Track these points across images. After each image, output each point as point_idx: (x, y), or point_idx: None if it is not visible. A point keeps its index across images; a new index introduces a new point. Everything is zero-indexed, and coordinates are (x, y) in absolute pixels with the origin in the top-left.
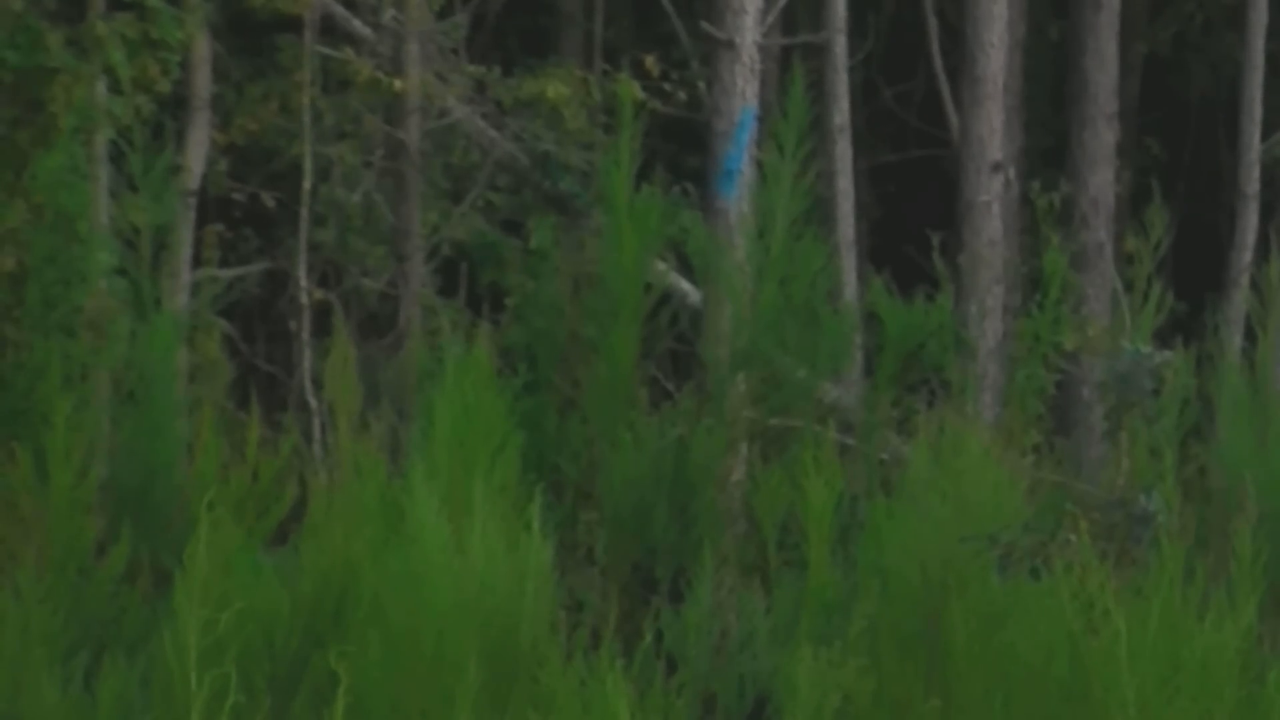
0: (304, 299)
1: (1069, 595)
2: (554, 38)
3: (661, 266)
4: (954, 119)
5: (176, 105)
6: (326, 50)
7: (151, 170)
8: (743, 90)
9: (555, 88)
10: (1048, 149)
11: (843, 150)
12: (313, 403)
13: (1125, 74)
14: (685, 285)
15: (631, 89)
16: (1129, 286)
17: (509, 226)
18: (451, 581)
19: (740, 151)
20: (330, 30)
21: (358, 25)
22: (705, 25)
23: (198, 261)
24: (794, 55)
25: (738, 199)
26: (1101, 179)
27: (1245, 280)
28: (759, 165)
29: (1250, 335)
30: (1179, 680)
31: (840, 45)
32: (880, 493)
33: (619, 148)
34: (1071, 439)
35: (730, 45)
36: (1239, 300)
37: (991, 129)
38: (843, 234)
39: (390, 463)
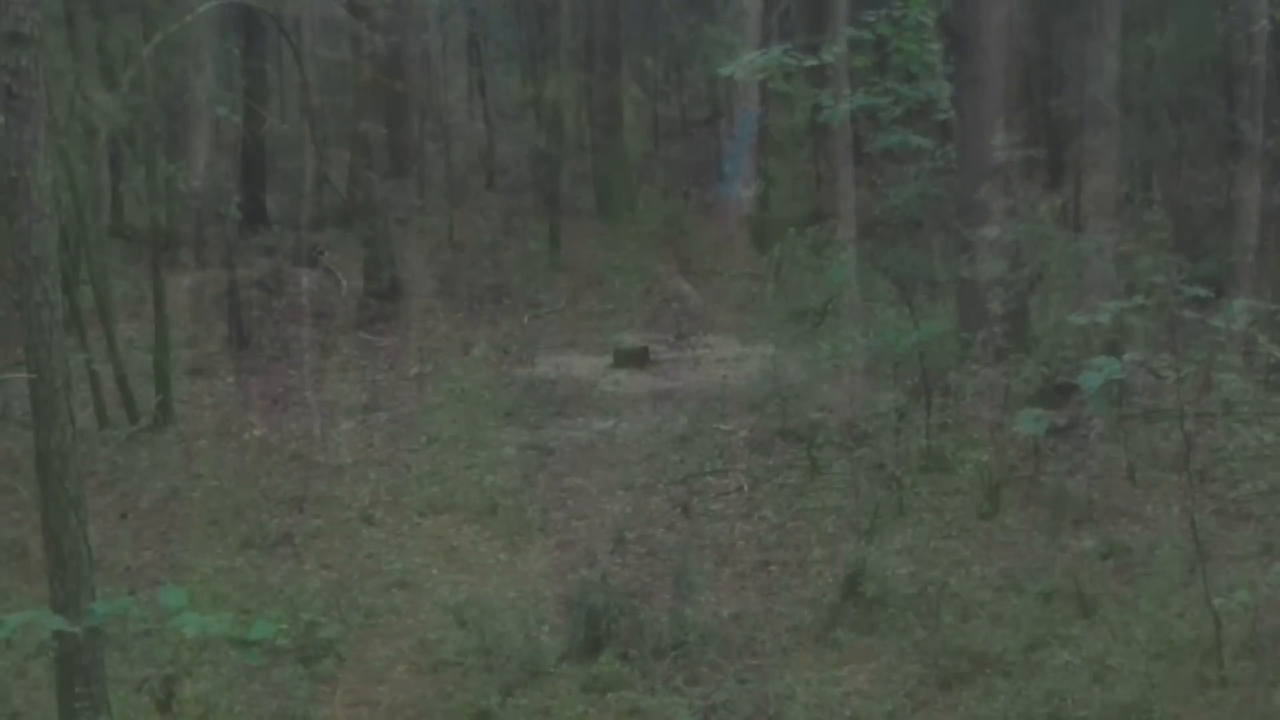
0: (305, 299)
1: None
2: (554, 38)
3: (661, 267)
4: (954, 119)
5: (176, 106)
6: (326, 51)
7: (152, 171)
8: (743, 91)
9: (555, 88)
10: (1047, 150)
11: (843, 151)
12: (313, 403)
13: (1123, 74)
14: (685, 286)
15: (631, 89)
16: (1129, 285)
17: (509, 226)
18: (451, 582)
19: (740, 152)
20: (330, 30)
21: (357, 26)
22: (706, 26)
23: (198, 262)
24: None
25: (738, 199)
26: (1101, 179)
27: (1246, 279)
28: (759, 165)
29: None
30: None
31: (841, 46)
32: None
33: (621, 148)
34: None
35: (731, 46)
36: (1240, 297)
37: (992, 129)
38: (843, 234)
39: (392, 459)
